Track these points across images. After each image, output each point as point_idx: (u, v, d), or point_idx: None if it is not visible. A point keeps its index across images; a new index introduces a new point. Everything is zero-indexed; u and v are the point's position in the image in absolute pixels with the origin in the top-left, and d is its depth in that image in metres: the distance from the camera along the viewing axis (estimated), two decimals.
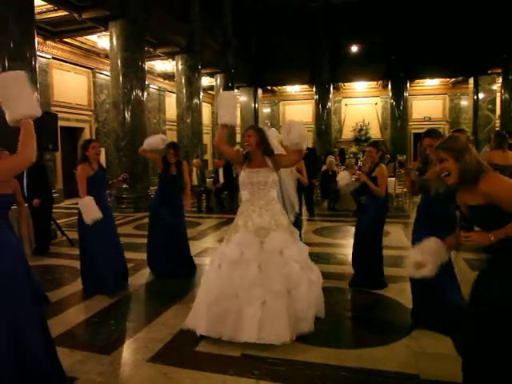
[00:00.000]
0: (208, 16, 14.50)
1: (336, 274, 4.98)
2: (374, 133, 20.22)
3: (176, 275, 4.93)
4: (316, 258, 4.01)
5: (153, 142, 4.96)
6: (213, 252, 3.56)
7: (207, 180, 11.66)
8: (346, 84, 20.93)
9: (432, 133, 3.46)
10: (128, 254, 5.93)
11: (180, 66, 13.55)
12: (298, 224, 4.37)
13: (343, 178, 4.67)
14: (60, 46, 12.18)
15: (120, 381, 2.73)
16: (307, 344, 3.15)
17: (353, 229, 7.85)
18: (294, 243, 3.42)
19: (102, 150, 14.06)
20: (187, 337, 3.33)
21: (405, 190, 10.48)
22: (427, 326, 3.30)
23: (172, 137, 18.54)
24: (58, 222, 7.50)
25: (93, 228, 4.23)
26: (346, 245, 6.92)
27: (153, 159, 5.30)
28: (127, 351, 3.16)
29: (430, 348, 3.03)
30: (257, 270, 3.20)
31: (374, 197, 4.51)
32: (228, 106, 3.39)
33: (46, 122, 6.69)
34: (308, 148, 9.27)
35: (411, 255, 2.39)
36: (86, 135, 13.75)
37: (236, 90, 18.02)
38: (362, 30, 17.70)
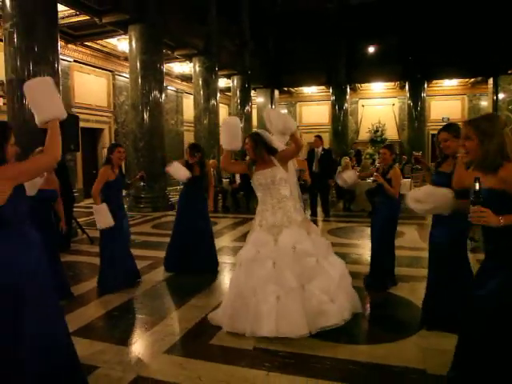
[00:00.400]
0: (225, 18, 14.68)
1: (350, 273, 5.04)
2: (391, 134, 20.11)
3: (197, 270, 5.09)
4: None
5: (176, 175, 5.13)
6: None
7: (223, 180, 11.82)
8: (362, 85, 20.85)
9: (449, 127, 3.39)
10: (146, 252, 6.17)
11: (197, 68, 13.75)
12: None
13: (350, 177, 4.74)
14: (81, 49, 12.52)
15: (138, 370, 2.87)
16: (318, 339, 3.24)
17: (367, 229, 7.97)
18: (309, 238, 3.49)
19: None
20: (202, 330, 3.47)
21: None
22: (438, 324, 3.34)
23: (189, 138, 18.79)
24: (79, 220, 7.74)
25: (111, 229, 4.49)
26: (360, 245, 6.98)
27: None
28: (145, 343, 3.31)
29: (438, 345, 3.08)
30: (271, 267, 3.33)
31: (387, 197, 4.59)
32: (231, 132, 3.61)
33: (67, 124, 6.89)
34: (324, 149, 9.39)
35: (414, 192, 2.63)
36: (106, 136, 14.09)
37: (252, 91, 18.15)
38: (379, 30, 17.61)
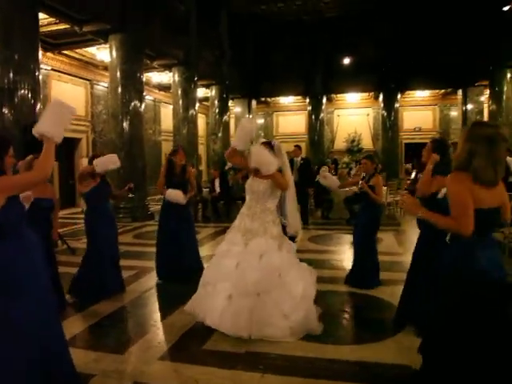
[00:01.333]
0: (204, 28, 14.84)
1: (329, 278, 5.25)
2: (366, 143, 20.64)
3: (185, 277, 5.11)
4: (310, 263, 4.28)
5: (177, 199, 5.17)
6: None
7: (203, 190, 11.88)
8: (338, 95, 21.35)
9: (435, 141, 3.71)
10: (130, 262, 6.17)
11: (177, 78, 13.83)
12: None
13: (333, 182, 5.10)
14: (59, 58, 12.42)
15: (135, 376, 2.93)
16: (306, 341, 3.39)
17: (345, 236, 8.21)
18: (278, 252, 3.62)
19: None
20: (193, 336, 3.56)
21: (396, 198, 10.79)
22: (415, 325, 3.52)
23: (167, 147, 18.73)
24: (59, 230, 7.64)
25: (98, 235, 4.54)
26: (338, 251, 7.19)
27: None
28: (138, 350, 3.36)
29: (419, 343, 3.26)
30: (233, 267, 3.54)
31: (369, 204, 4.88)
32: (244, 135, 3.72)
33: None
34: (302, 158, 9.60)
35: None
36: (83, 146, 13.96)
37: (230, 101, 18.32)
38: (355, 42, 18.18)
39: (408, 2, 16.75)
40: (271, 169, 3.57)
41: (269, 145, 3.76)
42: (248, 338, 3.35)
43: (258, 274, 3.45)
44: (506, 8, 12.23)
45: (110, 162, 4.65)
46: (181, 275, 5.14)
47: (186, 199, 5.22)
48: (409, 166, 7.18)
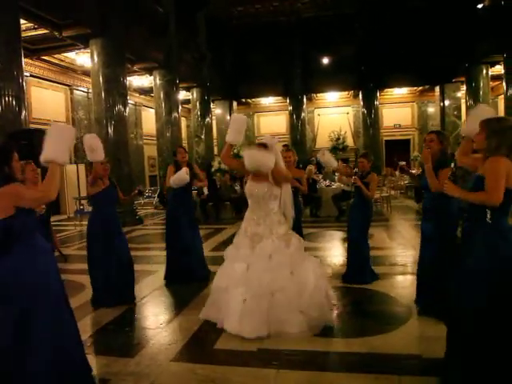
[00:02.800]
0: (184, 31, 14.80)
1: (327, 275, 5.31)
2: (348, 141, 20.91)
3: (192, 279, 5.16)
4: None
5: (181, 178, 5.06)
6: None
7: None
8: (318, 94, 21.59)
9: (439, 132, 3.88)
10: None
11: (158, 81, 13.75)
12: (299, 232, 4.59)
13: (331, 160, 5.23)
14: (38, 64, 12.23)
15: (150, 379, 2.92)
16: (315, 336, 3.44)
17: (336, 233, 8.33)
18: (286, 251, 3.65)
19: (82, 167, 13.99)
20: (203, 337, 3.57)
21: (383, 195, 10.99)
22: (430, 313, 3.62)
23: (150, 151, 18.67)
24: None
25: (99, 240, 4.49)
26: (331, 247, 7.30)
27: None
28: (150, 353, 3.34)
29: (429, 333, 3.37)
30: (244, 271, 3.58)
31: (361, 200, 5.00)
32: (239, 127, 3.78)
33: (36, 140, 6.78)
34: None
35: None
36: None
37: (211, 103, 18.31)
38: (333, 42, 18.41)
39: (385, 1, 17.10)
40: (270, 165, 3.57)
41: (263, 145, 3.71)
42: (267, 337, 3.37)
43: (269, 274, 3.49)
44: (480, 5, 12.59)
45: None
46: (189, 278, 5.12)
47: (187, 178, 5.08)
48: (403, 163, 7.26)
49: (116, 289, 4.50)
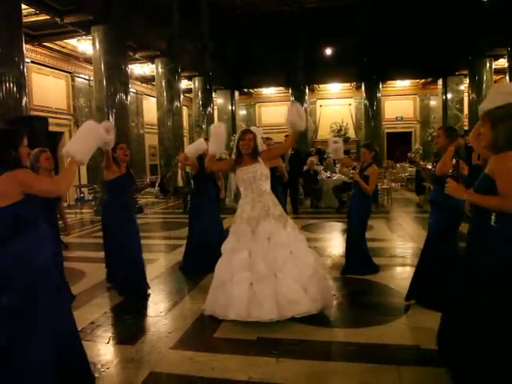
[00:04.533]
0: (186, 20, 14.66)
1: (326, 265, 5.34)
2: (349, 133, 20.84)
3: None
4: None
5: (195, 148, 5.01)
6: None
7: (192, 181, 11.82)
8: (320, 86, 21.47)
9: (446, 128, 3.88)
10: None
11: (160, 70, 13.68)
12: None
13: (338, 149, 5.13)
14: (39, 50, 12.13)
15: (150, 366, 2.93)
16: (314, 326, 3.46)
17: (336, 224, 8.34)
18: (284, 231, 3.72)
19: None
20: (203, 325, 3.59)
21: (384, 187, 10.98)
22: (425, 305, 3.66)
23: (150, 140, 18.61)
24: None
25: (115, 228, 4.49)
26: (331, 238, 7.31)
27: (190, 164, 5.38)
28: (150, 341, 3.36)
29: (426, 324, 3.38)
30: (247, 256, 3.60)
31: (360, 192, 4.93)
32: (219, 139, 3.83)
33: (36, 127, 6.77)
34: (293, 149, 9.66)
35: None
36: (66, 139, 13.68)
37: (213, 93, 18.20)
38: (336, 33, 18.24)
39: None
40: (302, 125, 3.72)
41: (250, 132, 3.86)
42: (279, 319, 3.39)
43: (270, 256, 3.54)
44: None
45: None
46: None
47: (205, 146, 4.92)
48: (412, 154, 7.22)
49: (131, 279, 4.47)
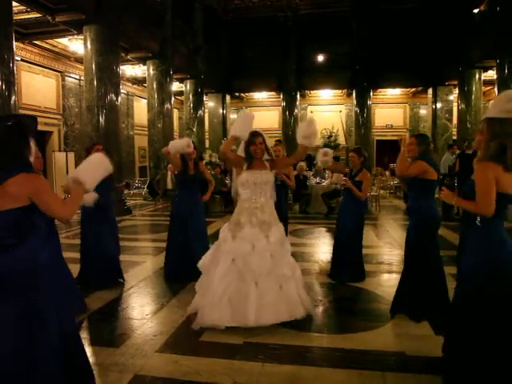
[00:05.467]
0: (179, 22, 14.67)
1: (314, 270, 5.40)
2: (339, 140, 20.96)
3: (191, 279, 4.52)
4: (293, 256, 4.31)
5: (177, 145, 4.88)
6: (217, 248, 3.77)
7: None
8: (311, 91, 21.56)
9: (418, 135, 3.90)
10: None
11: (152, 71, 13.62)
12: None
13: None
14: (29, 48, 12.01)
15: (135, 369, 2.91)
16: (301, 331, 3.47)
17: (324, 230, 8.36)
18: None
19: (72, 155, 13.83)
20: (190, 329, 3.55)
21: (372, 193, 11.06)
22: (408, 314, 3.67)
23: (140, 142, 18.52)
24: None
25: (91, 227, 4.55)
26: (319, 244, 7.33)
27: (172, 160, 5.22)
28: (135, 344, 3.33)
29: (412, 331, 3.41)
30: (270, 260, 3.57)
31: (350, 201, 4.93)
32: (247, 124, 3.65)
33: (26, 125, 6.67)
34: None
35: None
36: (55, 139, 13.57)
37: (204, 96, 18.18)
38: (329, 40, 18.40)
39: (382, 1, 17.13)
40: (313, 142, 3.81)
41: (259, 135, 3.79)
42: (304, 316, 3.55)
43: (286, 260, 3.68)
44: (476, 10, 12.66)
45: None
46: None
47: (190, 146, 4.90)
48: (394, 165, 7.29)
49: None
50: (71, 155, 13.11)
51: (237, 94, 21.72)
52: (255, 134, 3.73)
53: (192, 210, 5.03)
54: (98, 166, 2.49)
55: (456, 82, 15.70)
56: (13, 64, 7.17)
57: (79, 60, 12.61)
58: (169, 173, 11.15)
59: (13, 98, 7.13)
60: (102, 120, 10.22)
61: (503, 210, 2.40)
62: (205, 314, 3.45)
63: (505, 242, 2.37)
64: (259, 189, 3.71)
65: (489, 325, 2.31)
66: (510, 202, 2.41)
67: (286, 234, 4.65)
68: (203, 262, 3.82)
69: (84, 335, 3.53)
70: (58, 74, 13.60)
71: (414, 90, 20.39)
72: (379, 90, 20.16)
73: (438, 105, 17.58)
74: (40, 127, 12.76)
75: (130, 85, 17.59)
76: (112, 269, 4.84)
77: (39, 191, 2.24)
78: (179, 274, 4.92)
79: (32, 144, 2.33)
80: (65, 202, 2.34)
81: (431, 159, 3.58)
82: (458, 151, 10.09)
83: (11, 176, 2.21)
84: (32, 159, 2.31)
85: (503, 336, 2.30)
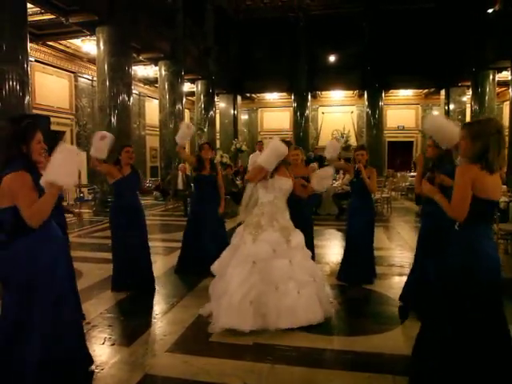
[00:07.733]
0: (191, 23, 14.74)
1: (324, 272, 5.32)
2: (351, 141, 20.86)
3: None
4: None
5: (180, 134, 5.02)
6: (233, 251, 3.77)
7: (192, 185, 11.83)
8: (323, 92, 21.50)
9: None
10: None
11: (163, 72, 13.71)
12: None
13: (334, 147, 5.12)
14: (43, 49, 12.17)
15: (145, 369, 2.91)
16: (310, 333, 3.44)
17: (335, 231, 8.31)
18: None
19: (84, 155, 14.08)
20: (199, 329, 3.56)
21: (384, 195, 10.97)
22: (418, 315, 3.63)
23: (152, 142, 18.63)
24: None
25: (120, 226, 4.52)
26: (330, 246, 7.30)
27: (183, 155, 5.45)
28: (145, 343, 3.34)
29: None
30: (289, 265, 3.60)
31: (363, 201, 4.91)
32: (277, 155, 3.65)
33: (41, 126, 6.75)
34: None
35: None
36: (67, 139, 13.70)
37: (216, 97, 18.22)
38: (340, 40, 18.34)
39: (394, 2, 17.01)
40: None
41: (287, 143, 3.88)
42: (322, 320, 3.57)
43: (307, 263, 3.75)
44: (490, 10, 12.52)
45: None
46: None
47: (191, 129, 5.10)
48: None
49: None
50: (83, 155, 13.20)
51: (248, 95, 21.74)
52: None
53: (207, 209, 5.14)
54: (63, 160, 2.31)
55: (469, 83, 15.54)
56: (27, 65, 7.27)
57: (92, 61, 12.73)
58: (180, 173, 11.21)
59: (27, 98, 7.22)
60: (114, 120, 10.31)
61: (484, 216, 2.35)
62: (222, 318, 3.42)
63: (481, 251, 2.29)
64: (282, 195, 3.79)
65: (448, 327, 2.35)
66: (492, 207, 2.36)
67: (312, 238, 4.88)
68: (217, 266, 3.83)
69: (94, 333, 3.55)
70: (71, 74, 13.75)
71: (426, 91, 20.20)
72: (391, 91, 20.03)
73: (451, 106, 17.41)
74: (53, 127, 12.88)
75: (142, 85, 17.71)
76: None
77: (14, 192, 2.28)
78: (191, 271, 5.06)
79: (34, 142, 2.39)
80: (34, 206, 2.28)
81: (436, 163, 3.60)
82: None
83: (4, 175, 2.30)
84: (35, 154, 2.38)
85: (464, 339, 2.31)
